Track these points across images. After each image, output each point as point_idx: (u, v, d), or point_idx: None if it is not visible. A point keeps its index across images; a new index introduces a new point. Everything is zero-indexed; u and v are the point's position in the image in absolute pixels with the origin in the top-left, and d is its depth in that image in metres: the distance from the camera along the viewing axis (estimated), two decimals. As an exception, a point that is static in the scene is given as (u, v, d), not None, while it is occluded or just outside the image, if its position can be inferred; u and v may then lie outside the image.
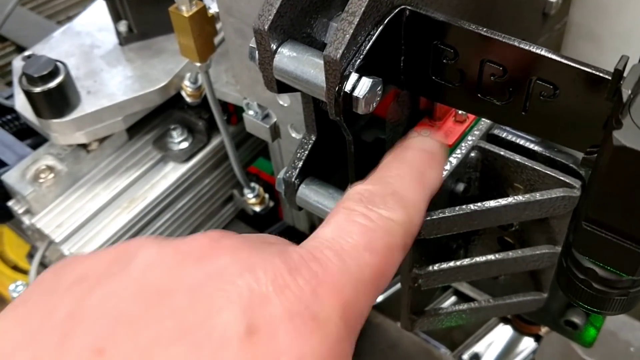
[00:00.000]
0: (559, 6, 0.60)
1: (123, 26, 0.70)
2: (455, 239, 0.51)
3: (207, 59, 0.56)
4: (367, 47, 0.37)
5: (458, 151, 0.45)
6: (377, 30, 0.37)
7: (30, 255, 0.77)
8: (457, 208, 0.42)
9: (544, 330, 0.74)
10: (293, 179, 0.48)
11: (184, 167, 0.70)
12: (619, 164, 0.25)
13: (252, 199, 0.73)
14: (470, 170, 0.46)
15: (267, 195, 0.75)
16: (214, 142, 0.72)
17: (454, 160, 0.44)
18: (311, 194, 0.48)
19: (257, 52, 0.40)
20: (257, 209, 0.74)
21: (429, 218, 0.42)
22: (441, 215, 0.42)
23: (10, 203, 0.69)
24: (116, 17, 0.70)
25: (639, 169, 0.25)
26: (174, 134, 0.70)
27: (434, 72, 0.39)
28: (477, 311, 0.52)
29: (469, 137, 0.46)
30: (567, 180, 0.42)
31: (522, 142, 0.46)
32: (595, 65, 0.32)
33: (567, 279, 0.34)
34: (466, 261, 0.46)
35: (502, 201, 0.42)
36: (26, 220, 0.68)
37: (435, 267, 0.46)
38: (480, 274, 0.47)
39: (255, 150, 0.78)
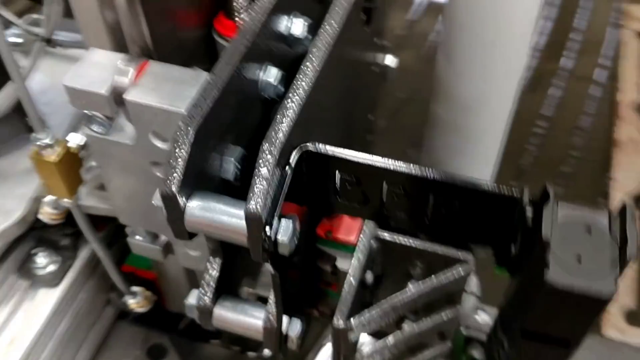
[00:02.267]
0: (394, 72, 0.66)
1: (-49, 155, 0.62)
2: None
3: (77, 192, 0.53)
4: (284, 193, 0.38)
5: (361, 245, 0.48)
6: (288, 176, 0.38)
7: None
8: (382, 304, 0.45)
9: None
10: (207, 304, 0.48)
11: (58, 290, 0.65)
12: (553, 297, 0.30)
13: (135, 302, 0.70)
14: (373, 257, 0.50)
15: (150, 293, 0.72)
16: (83, 253, 0.68)
17: (362, 255, 0.47)
18: (228, 314, 0.49)
19: (164, 211, 0.39)
20: (143, 309, 0.71)
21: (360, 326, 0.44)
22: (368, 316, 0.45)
23: None
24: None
25: (569, 298, 0.30)
26: (38, 259, 0.65)
27: (340, 194, 0.41)
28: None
29: (365, 228, 0.49)
30: (461, 257, 0.47)
31: (412, 220, 0.50)
32: (494, 184, 0.37)
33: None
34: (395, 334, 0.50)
35: (409, 292, 0.46)
36: None
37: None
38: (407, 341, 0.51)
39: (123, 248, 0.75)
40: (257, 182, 0.37)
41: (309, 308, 0.57)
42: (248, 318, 0.48)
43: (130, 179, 0.47)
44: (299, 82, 0.41)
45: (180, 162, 0.37)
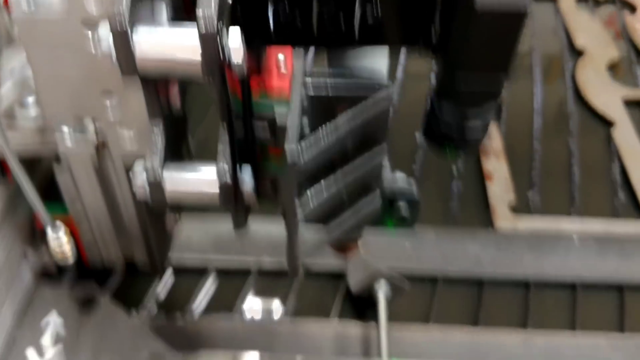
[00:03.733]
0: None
1: None
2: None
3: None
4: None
5: (294, 90, 0.51)
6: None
7: None
8: (321, 130, 0.49)
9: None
10: (157, 174, 0.49)
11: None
12: (484, 22, 0.36)
13: (58, 243, 0.66)
14: (304, 105, 0.53)
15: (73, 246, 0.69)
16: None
17: (297, 96, 0.51)
18: (180, 180, 0.50)
19: (111, 39, 0.40)
20: (70, 261, 0.67)
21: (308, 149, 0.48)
22: (315, 138, 0.48)
23: None
24: None
25: (495, 18, 0.36)
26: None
27: (274, 16, 0.45)
28: (338, 231, 0.60)
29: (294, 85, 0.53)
30: (380, 82, 0.52)
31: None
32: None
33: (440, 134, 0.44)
34: (331, 178, 0.53)
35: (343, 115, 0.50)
36: None
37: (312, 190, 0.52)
38: (340, 188, 0.55)
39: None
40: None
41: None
42: (200, 175, 0.50)
43: (60, 56, 0.47)
44: None
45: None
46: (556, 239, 1.00)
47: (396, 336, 0.86)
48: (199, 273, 0.95)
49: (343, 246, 0.72)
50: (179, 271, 0.96)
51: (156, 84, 0.46)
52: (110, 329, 0.68)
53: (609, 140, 1.18)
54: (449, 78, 0.41)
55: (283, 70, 0.52)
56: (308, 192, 0.52)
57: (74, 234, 0.72)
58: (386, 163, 0.67)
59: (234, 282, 0.95)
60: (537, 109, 1.23)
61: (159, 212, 0.60)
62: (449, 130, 0.44)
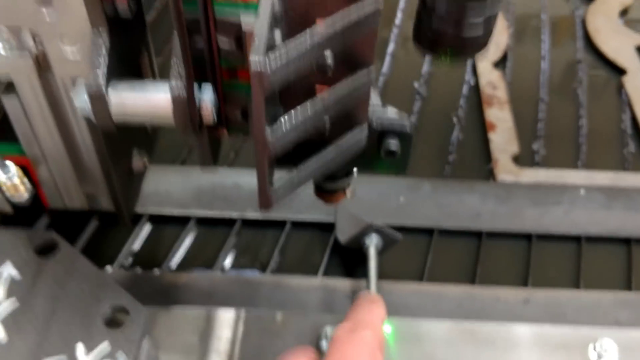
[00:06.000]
0: None
1: None
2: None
3: None
4: None
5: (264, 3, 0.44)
6: None
7: None
8: (296, 38, 0.41)
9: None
10: (101, 87, 0.42)
11: None
12: None
13: (9, 182, 0.60)
14: (277, 16, 0.46)
15: (25, 179, 0.63)
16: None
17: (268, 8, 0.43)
18: (128, 96, 0.43)
19: None
20: (24, 196, 0.61)
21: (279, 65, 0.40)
22: (288, 51, 0.41)
23: None
24: None
25: None
26: None
27: None
28: (318, 166, 0.53)
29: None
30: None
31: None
32: None
33: (431, 38, 0.37)
34: (309, 103, 0.46)
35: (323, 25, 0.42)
36: None
37: (285, 118, 0.45)
38: (319, 115, 0.48)
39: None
40: None
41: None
42: (151, 94, 0.43)
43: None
44: None
45: None
46: (560, 191, 0.93)
47: (387, 293, 0.80)
48: (179, 226, 0.89)
49: (330, 194, 0.65)
50: (157, 223, 0.90)
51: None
52: (71, 277, 0.62)
53: (620, 89, 1.10)
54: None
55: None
56: (281, 118, 0.45)
57: (33, 178, 0.66)
58: (377, 101, 0.60)
59: (215, 235, 0.89)
60: (545, 55, 1.15)
61: (119, 147, 0.53)
62: (443, 28, 0.36)
